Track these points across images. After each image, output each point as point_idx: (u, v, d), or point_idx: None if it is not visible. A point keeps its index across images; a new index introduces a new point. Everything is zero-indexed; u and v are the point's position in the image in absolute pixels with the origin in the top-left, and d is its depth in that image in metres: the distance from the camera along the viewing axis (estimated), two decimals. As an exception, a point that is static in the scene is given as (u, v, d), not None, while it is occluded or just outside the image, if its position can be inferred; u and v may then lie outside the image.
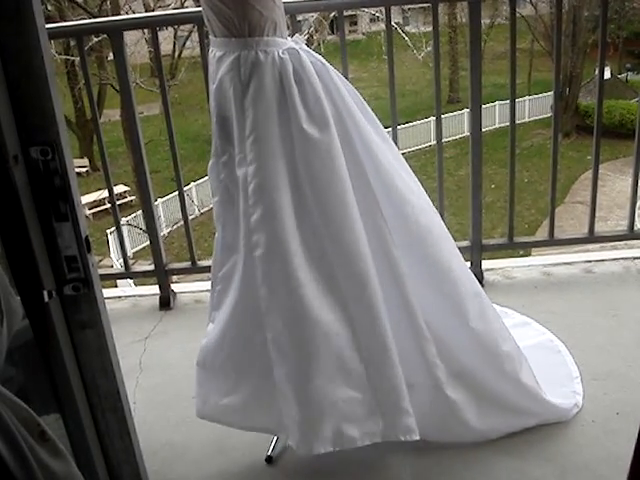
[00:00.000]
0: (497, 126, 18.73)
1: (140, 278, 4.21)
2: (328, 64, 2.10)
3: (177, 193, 3.55)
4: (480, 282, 2.64)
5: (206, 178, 3.14)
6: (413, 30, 21.34)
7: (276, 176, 2.06)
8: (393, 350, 2.13)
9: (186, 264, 3.59)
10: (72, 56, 15.44)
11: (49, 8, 15.65)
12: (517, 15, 3.24)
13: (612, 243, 4.06)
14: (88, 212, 15.78)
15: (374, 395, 2.16)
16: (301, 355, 2.16)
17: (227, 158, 2.18)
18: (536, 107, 21.12)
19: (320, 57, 2.11)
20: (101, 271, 3.75)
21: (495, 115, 18.98)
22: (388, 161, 2.18)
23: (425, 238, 2.24)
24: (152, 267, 3.53)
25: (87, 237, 1.24)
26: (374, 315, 2.11)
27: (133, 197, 16.53)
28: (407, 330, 2.19)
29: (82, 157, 19.16)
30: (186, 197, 3.63)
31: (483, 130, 3.28)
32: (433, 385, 2.24)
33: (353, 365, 2.15)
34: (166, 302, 3.44)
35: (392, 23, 3.31)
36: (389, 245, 2.14)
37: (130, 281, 7.91)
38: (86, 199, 15.47)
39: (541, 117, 20.74)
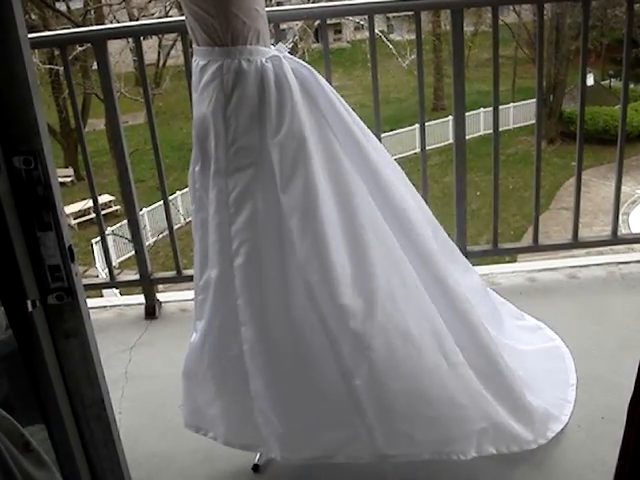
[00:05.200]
0: (482, 133, 18.78)
1: (125, 287, 4.21)
2: (312, 69, 2.12)
3: (162, 202, 3.55)
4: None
5: (191, 187, 3.14)
6: (397, 38, 21.41)
7: (257, 185, 2.07)
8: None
9: (171, 273, 3.59)
10: (56, 65, 15.39)
11: (33, 17, 15.63)
12: (501, 23, 3.28)
13: (598, 248, 4.08)
14: (73, 222, 15.73)
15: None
16: (278, 368, 2.19)
17: (200, 167, 2.19)
18: (520, 114, 21.23)
19: (304, 63, 2.12)
20: (86, 281, 3.74)
21: (480, 122, 19.04)
22: (377, 160, 2.20)
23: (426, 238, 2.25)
24: (137, 276, 3.52)
25: (70, 246, 1.24)
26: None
27: (118, 207, 16.48)
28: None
29: (67, 167, 19.08)
30: (171, 206, 3.62)
31: (468, 137, 3.30)
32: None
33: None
34: (152, 311, 3.43)
35: (376, 31, 3.33)
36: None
37: (115, 291, 7.89)
38: (71, 209, 15.43)
39: (525, 124, 20.84)
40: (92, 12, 16.04)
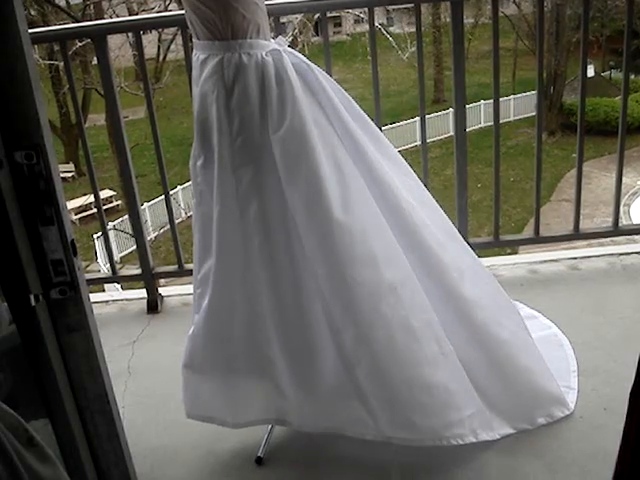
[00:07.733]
0: (482, 125, 18.78)
1: (127, 282, 4.20)
2: (312, 64, 2.12)
3: (163, 197, 3.55)
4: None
5: (192, 181, 3.12)
6: (397, 31, 21.39)
7: (263, 179, 2.08)
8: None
9: (173, 267, 3.59)
10: (56, 61, 15.38)
11: (32, 13, 15.59)
12: (501, 14, 3.26)
13: (598, 240, 4.07)
14: (74, 217, 15.72)
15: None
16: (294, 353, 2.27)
17: (203, 161, 2.19)
18: (521, 106, 21.18)
19: (304, 58, 2.12)
20: (88, 275, 3.74)
21: (480, 114, 19.03)
22: (376, 158, 2.21)
23: (423, 233, 2.27)
24: (139, 271, 3.52)
25: (73, 240, 1.24)
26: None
27: (119, 202, 16.48)
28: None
29: (67, 162, 19.09)
30: (172, 201, 3.62)
31: (468, 130, 3.29)
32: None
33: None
34: (154, 305, 3.43)
35: (376, 24, 3.32)
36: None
37: (117, 285, 7.87)
38: (72, 204, 15.43)
39: (526, 116, 20.80)
40: (91, 7, 16.01)
